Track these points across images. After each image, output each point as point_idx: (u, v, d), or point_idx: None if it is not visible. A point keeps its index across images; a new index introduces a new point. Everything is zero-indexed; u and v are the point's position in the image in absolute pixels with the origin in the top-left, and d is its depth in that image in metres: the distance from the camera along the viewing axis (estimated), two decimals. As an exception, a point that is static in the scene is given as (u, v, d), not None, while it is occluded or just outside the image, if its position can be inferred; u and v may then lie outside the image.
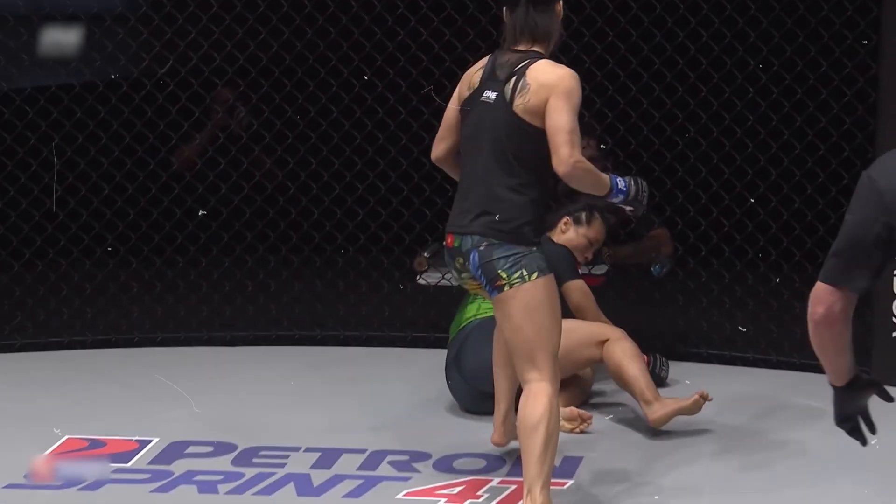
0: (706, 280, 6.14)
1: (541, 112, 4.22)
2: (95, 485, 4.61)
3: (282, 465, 4.78)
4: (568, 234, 5.24)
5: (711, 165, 6.06)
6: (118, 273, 6.43)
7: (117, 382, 5.71)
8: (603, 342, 5.07)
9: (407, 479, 4.68)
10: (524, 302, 4.26)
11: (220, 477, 4.70)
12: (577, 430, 5.01)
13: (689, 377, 5.64)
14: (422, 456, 4.85)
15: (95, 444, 4.99)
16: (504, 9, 4.36)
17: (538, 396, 4.26)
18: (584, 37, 5.89)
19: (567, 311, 4.87)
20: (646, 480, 4.61)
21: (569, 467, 4.71)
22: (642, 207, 4.41)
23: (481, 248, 4.26)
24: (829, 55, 5.80)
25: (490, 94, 4.30)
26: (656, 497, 4.50)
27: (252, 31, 6.32)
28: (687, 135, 6.08)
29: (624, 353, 5.03)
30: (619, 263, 6.21)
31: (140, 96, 6.32)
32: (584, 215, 5.27)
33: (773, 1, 5.81)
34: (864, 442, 3.19)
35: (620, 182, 4.30)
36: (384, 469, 4.76)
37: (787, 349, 5.81)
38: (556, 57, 4.37)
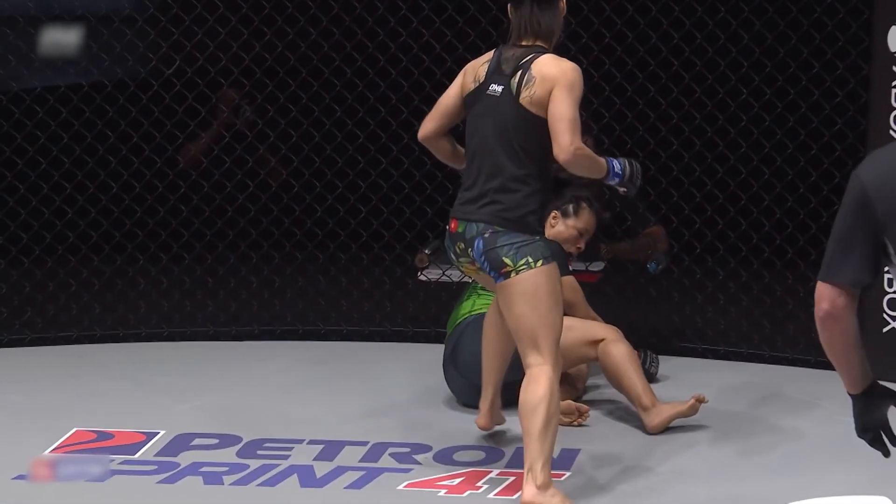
0: (701, 277, 6.14)
1: (545, 104, 4.30)
2: (102, 476, 4.60)
3: (285, 457, 4.78)
4: (557, 227, 5.21)
5: (706, 165, 6.06)
6: (126, 269, 6.43)
7: (125, 376, 5.71)
8: (598, 341, 5.05)
9: (408, 470, 4.68)
10: (530, 288, 4.33)
11: (226, 468, 4.70)
12: (576, 422, 5.01)
13: (684, 372, 5.64)
14: (423, 448, 4.85)
15: (103, 436, 4.99)
16: (509, 6, 4.43)
17: (539, 379, 4.32)
18: (581, 38, 5.89)
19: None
20: (643, 471, 4.61)
21: (566, 459, 4.71)
22: (636, 188, 4.48)
23: (486, 235, 4.33)
24: (821, 56, 5.80)
25: (496, 88, 4.38)
26: (654, 487, 4.50)
27: (257, 32, 6.32)
28: (682, 134, 6.09)
29: (621, 356, 5.01)
30: (616, 260, 6.20)
31: (147, 96, 6.32)
32: (570, 207, 5.23)
33: (767, 4, 5.81)
34: (886, 453, 3.17)
35: (616, 165, 4.39)
36: (386, 461, 4.76)
37: (779, 344, 5.82)
38: (560, 51, 4.41)
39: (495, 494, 4.49)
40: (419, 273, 6.37)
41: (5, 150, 6.27)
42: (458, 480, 4.59)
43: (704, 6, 5.88)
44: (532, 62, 4.33)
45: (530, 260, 4.33)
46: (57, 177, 6.31)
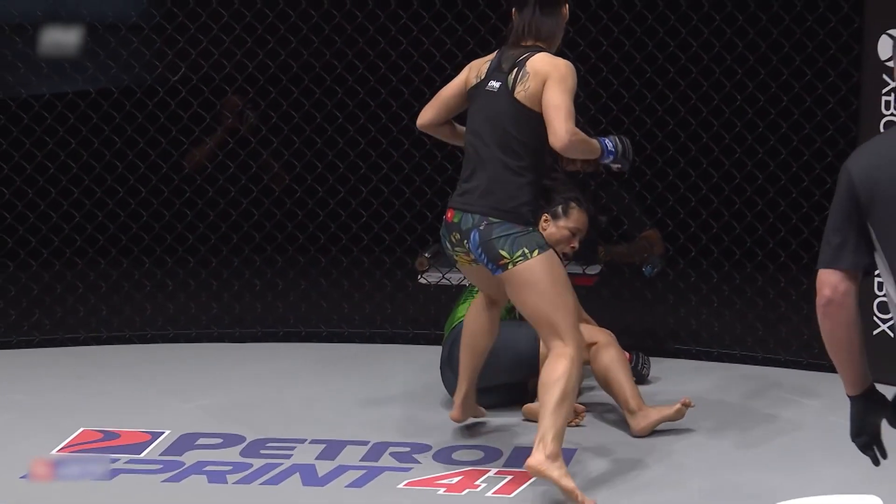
0: (695, 280, 6.14)
1: (539, 97, 4.39)
2: (109, 475, 4.61)
3: (288, 457, 4.79)
4: (549, 230, 5.20)
5: (701, 170, 6.06)
6: (132, 272, 6.43)
7: (131, 377, 5.71)
8: (591, 345, 5.05)
9: (408, 469, 4.68)
10: (531, 278, 4.40)
11: (229, 467, 4.70)
12: (574, 423, 5.01)
13: (678, 373, 5.65)
14: (422, 447, 4.85)
15: (110, 435, 4.99)
16: (513, 8, 4.53)
17: (560, 358, 4.40)
18: (579, 46, 5.89)
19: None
20: (638, 469, 4.61)
21: (564, 458, 4.70)
22: (629, 163, 4.55)
23: (481, 227, 4.39)
24: (813, 64, 5.80)
25: (494, 84, 4.49)
26: (649, 485, 4.50)
27: (261, 40, 6.32)
28: (677, 140, 6.09)
29: (611, 360, 5.01)
30: (613, 263, 6.21)
31: (153, 102, 6.32)
32: (559, 208, 5.22)
33: (760, 13, 5.81)
34: (876, 462, 3.18)
35: (609, 143, 4.48)
36: (386, 460, 4.76)
37: (772, 346, 5.82)
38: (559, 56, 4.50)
39: (493, 493, 4.49)
40: (419, 276, 6.37)
41: (14, 155, 6.28)
42: (456, 479, 4.59)
43: (699, 14, 5.88)
44: (528, 59, 4.43)
45: (526, 251, 4.39)
46: (65, 181, 6.31)
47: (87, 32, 6.40)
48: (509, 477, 4.58)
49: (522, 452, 4.76)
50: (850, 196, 3.02)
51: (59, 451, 4.87)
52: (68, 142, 6.28)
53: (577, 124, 4.40)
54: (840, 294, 3.03)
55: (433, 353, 5.50)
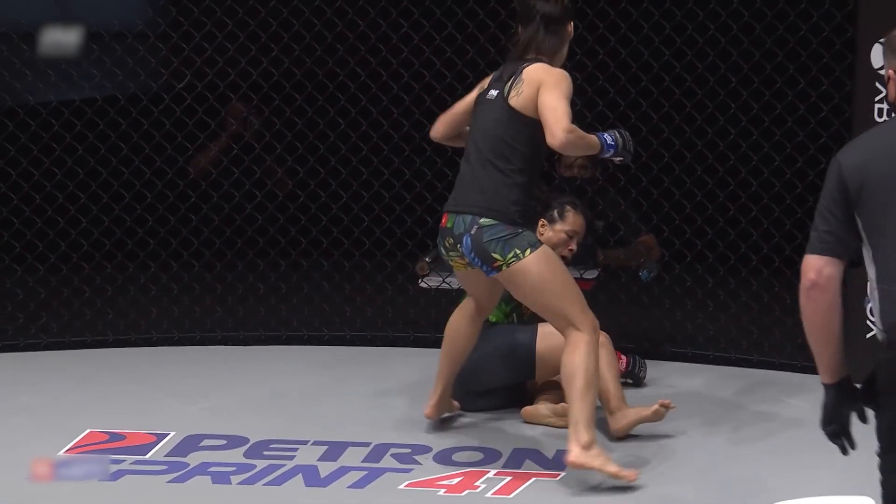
0: (691, 284, 6.14)
1: (533, 103, 4.43)
2: (115, 475, 4.60)
3: (291, 458, 4.78)
4: (546, 234, 5.20)
5: (696, 176, 6.06)
6: (137, 276, 6.43)
7: (136, 379, 5.71)
8: None
9: (409, 470, 4.68)
10: (528, 277, 4.45)
11: (233, 468, 4.69)
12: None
13: (674, 376, 5.64)
14: (423, 449, 4.85)
15: (115, 437, 4.98)
16: (519, 24, 4.57)
17: (577, 345, 4.47)
18: (575, 55, 5.89)
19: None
20: (634, 468, 4.59)
21: (561, 460, 4.70)
22: (630, 154, 4.57)
23: (472, 232, 4.43)
24: (806, 73, 5.80)
25: (493, 93, 4.57)
26: (646, 484, 4.49)
27: (264, 48, 6.33)
28: (673, 147, 6.09)
29: (602, 361, 4.99)
30: (610, 267, 6.21)
31: (159, 109, 6.32)
32: (555, 212, 5.23)
33: (754, 21, 5.81)
34: (844, 451, 3.21)
35: (608, 138, 4.50)
36: (387, 461, 4.76)
37: (766, 349, 5.82)
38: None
39: (493, 494, 4.48)
40: (420, 280, 6.37)
41: (22, 161, 6.27)
42: (456, 480, 4.59)
43: (694, 24, 5.88)
44: (524, 68, 4.49)
45: (518, 251, 4.43)
46: (72, 187, 6.31)
47: (94, 41, 6.39)
48: (509, 478, 4.58)
49: (521, 454, 4.77)
50: (840, 187, 3.09)
51: (65, 452, 4.86)
52: (75, 148, 6.28)
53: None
54: (824, 278, 3.08)
55: (433, 356, 5.47)
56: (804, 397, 5.30)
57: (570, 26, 4.59)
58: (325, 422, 5.13)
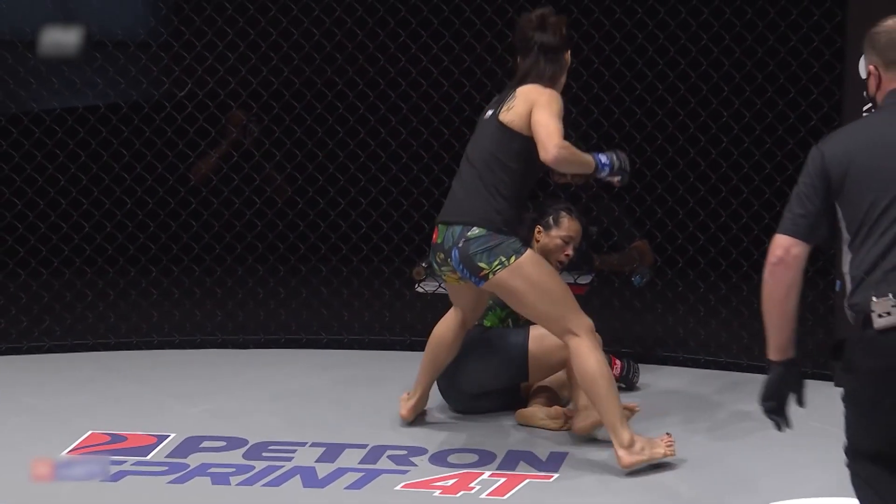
0: (683, 289, 6.14)
1: (522, 118, 4.46)
2: (116, 476, 4.60)
3: (289, 459, 4.78)
4: (542, 241, 5.21)
5: (688, 184, 6.06)
6: (139, 280, 6.43)
7: (138, 381, 5.71)
8: None
9: (405, 472, 4.67)
10: (517, 282, 4.49)
11: (233, 469, 4.69)
12: (566, 427, 5.00)
13: (665, 380, 5.64)
14: (419, 451, 4.84)
15: (117, 438, 4.98)
16: (517, 55, 4.61)
17: (581, 351, 4.52)
18: (571, 64, 5.90)
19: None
20: (626, 472, 4.60)
21: (555, 462, 4.71)
22: (628, 175, 4.59)
23: (460, 245, 4.47)
24: (796, 82, 5.81)
25: (488, 113, 4.61)
26: (640, 486, 4.49)
27: (264, 57, 6.33)
28: (666, 155, 6.09)
29: None
30: (603, 272, 6.21)
31: (160, 117, 6.32)
32: (550, 218, 5.23)
33: (746, 32, 5.82)
34: (779, 427, 3.31)
35: (603, 157, 4.51)
36: (384, 463, 4.75)
37: (757, 354, 5.80)
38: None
39: (487, 495, 4.48)
40: (416, 285, 6.37)
41: (26, 167, 6.28)
42: (452, 481, 4.58)
43: (688, 34, 5.90)
44: (518, 88, 4.53)
45: (503, 258, 4.47)
46: (75, 193, 6.31)
47: (97, 49, 6.39)
48: (503, 479, 4.57)
49: (516, 455, 4.77)
50: (823, 176, 3.18)
51: (67, 453, 4.86)
52: (78, 154, 6.28)
53: (568, 139, 4.41)
54: (791, 257, 3.19)
55: (430, 360, 5.49)
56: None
57: (568, 55, 4.62)
58: (322, 424, 5.12)
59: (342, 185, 6.44)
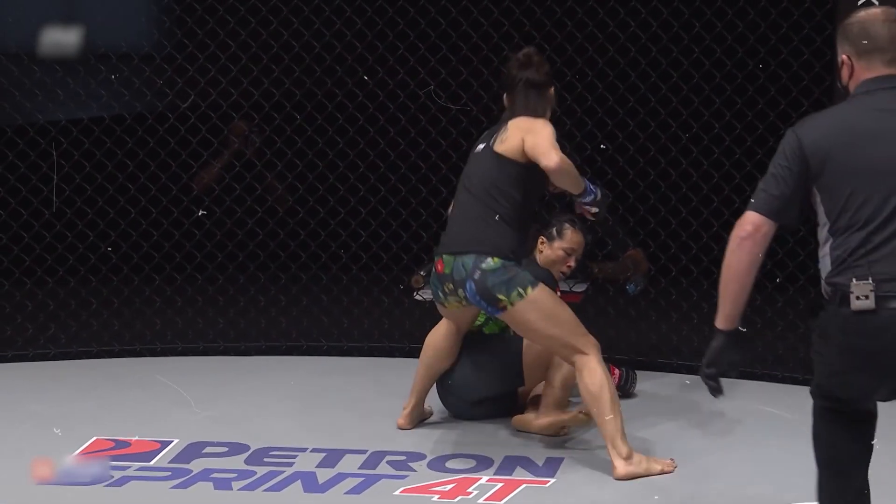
0: (676, 297, 6.15)
1: (516, 147, 4.54)
2: (120, 481, 4.61)
3: (290, 464, 4.79)
4: (545, 252, 5.23)
5: (681, 194, 6.08)
6: (143, 289, 6.44)
7: (141, 388, 5.71)
8: None
9: (404, 477, 4.68)
10: (532, 314, 4.56)
11: (234, 475, 4.70)
12: (563, 432, 5.00)
13: (660, 386, 5.65)
14: (417, 456, 4.85)
15: (121, 444, 4.99)
16: (504, 93, 4.71)
17: (592, 367, 4.58)
18: (565, 76, 5.92)
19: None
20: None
21: (551, 467, 4.72)
22: (604, 211, 4.72)
23: (476, 277, 4.50)
24: (787, 94, 5.83)
25: (480, 147, 4.70)
26: (636, 491, 4.50)
27: (266, 69, 6.34)
28: (658, 166, 6.11)
29: (567, 368, 4.96)
30: (598, 281, 6.22)
31: (164, 128, 6.34)
32: (554, 230, 5.26)
33: (737, 45, 5.84)
34: (715, 394, 3.42)
35: (591, 186, 4.66)
36: (383, 468, 4.76)
37: (748, 360, 5.80)
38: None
39: (484, 500, 4.48)
40: (415, 293, 6.38)
41: (32, 178, 6.28)
42: (449, 486, 4.59)
43: (680, 47, 5.91)
44: (510, 120, 4.62)
45: (520, 290, 4.54)
46: (79, 203, 6.32)
47: (102, 62, 6.40)
48: (500, 484, 4.58)
49: (513, 461, 4.77)
50: (801, 161, 3.24)
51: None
52: (83, 165, 6.29)
53: (564, 150, 4.48)
54: (760, 234, 3.27)
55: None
56: (784, 407, 5.31)
57: (552, 90, 4.72)
58: (323, 430, 5.13)
59: (342, 195, 6.45)
